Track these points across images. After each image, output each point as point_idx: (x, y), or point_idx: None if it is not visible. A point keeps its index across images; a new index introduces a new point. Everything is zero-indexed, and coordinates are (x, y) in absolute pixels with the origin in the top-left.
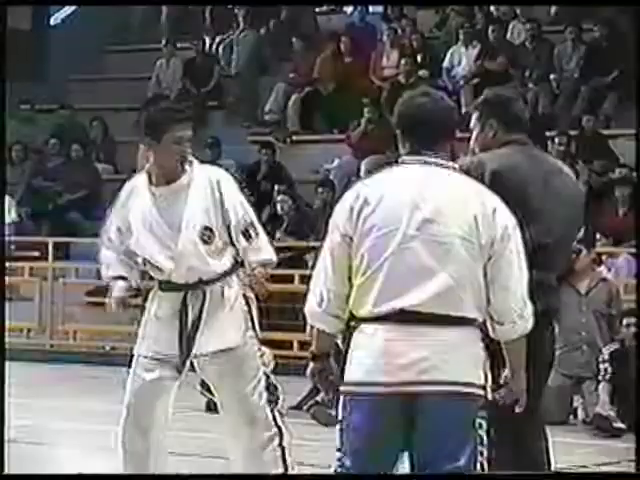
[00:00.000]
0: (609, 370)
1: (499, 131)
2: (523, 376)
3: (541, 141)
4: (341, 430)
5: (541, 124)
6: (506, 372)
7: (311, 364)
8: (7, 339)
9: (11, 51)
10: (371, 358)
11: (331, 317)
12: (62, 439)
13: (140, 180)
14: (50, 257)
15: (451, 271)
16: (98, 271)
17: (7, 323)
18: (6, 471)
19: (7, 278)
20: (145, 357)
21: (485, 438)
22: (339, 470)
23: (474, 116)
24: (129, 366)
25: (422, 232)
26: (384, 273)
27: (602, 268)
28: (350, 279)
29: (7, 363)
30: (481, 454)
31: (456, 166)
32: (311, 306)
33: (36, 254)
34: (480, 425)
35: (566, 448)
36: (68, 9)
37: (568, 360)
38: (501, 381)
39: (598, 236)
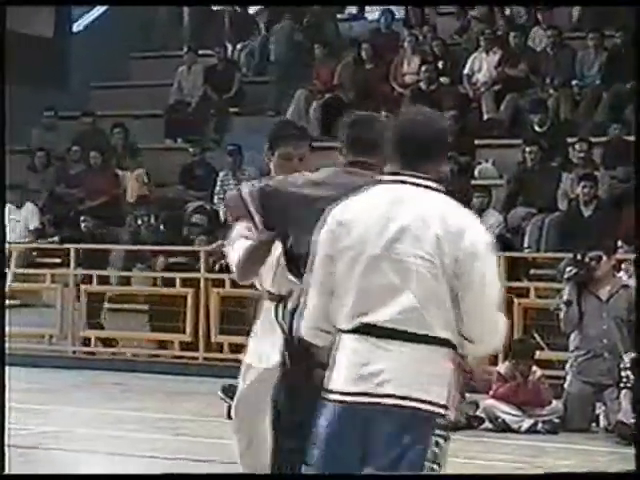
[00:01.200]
0: (631, 377)
1: (345, 152)
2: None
3: (561, 147)
4: (318, 435)
5: (562, 130)
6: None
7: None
8: (30, 345)
9: (34, 59)
10: (339, 367)
11: (318, 331)
12: (83, 445)
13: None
14: (72, 264)
15: (414, 290)
16: (118, 278)
17: (30, 330)
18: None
19: (30, 285)
20: None
21: (439, 455)
22: (306, 466)
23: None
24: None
25: (388, 251)
26: (354, 293)
27: (621, 274)
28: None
29: (30, 370)
30: (432, 470)
31: (434, 186)
32: (302, 323)
33: (58, 261)
34: (437, 443)
35: (588, 455)
36: (89, 16)
37: (590, 367)
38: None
39: (620, 243)
